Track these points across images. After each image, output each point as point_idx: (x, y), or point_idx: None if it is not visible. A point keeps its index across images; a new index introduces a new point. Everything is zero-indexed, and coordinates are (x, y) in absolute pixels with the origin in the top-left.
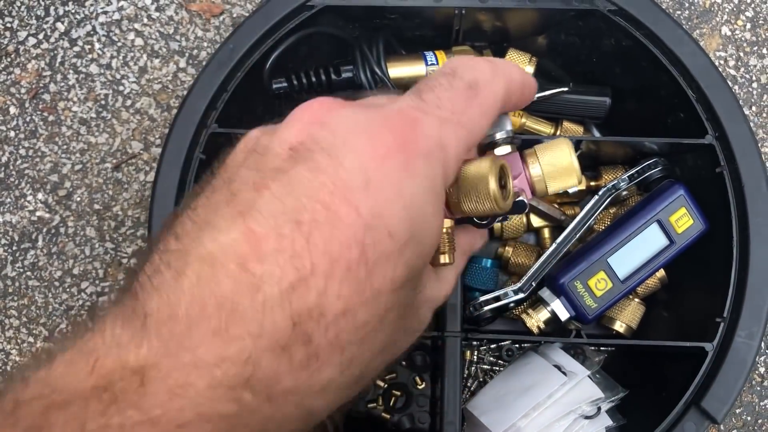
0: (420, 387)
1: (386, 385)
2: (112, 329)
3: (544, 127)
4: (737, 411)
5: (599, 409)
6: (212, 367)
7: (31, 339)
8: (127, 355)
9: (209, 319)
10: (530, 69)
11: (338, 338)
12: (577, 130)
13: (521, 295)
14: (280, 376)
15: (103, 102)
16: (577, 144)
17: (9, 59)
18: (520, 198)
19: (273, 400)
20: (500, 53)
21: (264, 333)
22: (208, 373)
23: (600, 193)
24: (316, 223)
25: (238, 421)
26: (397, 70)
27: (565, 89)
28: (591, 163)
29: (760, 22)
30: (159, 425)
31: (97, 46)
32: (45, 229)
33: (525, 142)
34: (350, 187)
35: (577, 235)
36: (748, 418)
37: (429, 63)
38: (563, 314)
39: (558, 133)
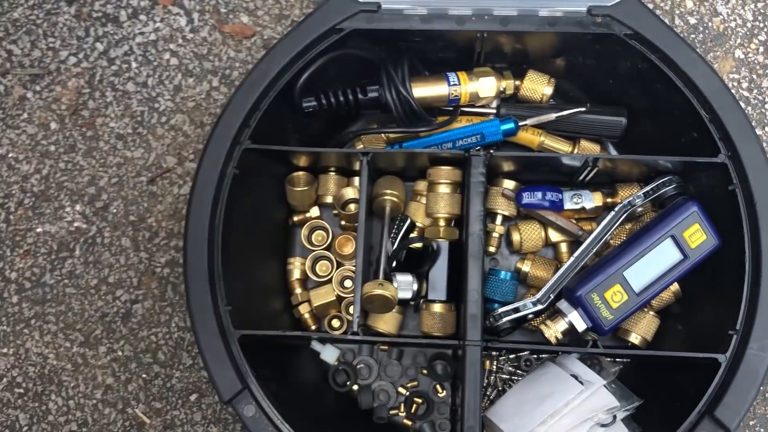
0: (441, 395)
1: (408, 393)
2: None
3: (562, 146)
4: (751, 423)
5: (615, 417)
6: None
7: (67, 344)
8: None
9: None
10: (549, 90)
11: None
12: (594, 148)
13: (540, 307)
14: None
15: (139, 118)
16: (594, 161)
17: (51, 77)
18: None
19: None
20: (520, 74)
21: None
22: None
23: (616, 209)
24: None
25: None
26: (421, 90)
27: (583, 109)
28: (607, 180)
29: None
30: None
31: (134, 65)
32: (82, 239)
33: (542, 159)
34: None
35: (594, 250)
36: (762, 430)
37: (451, 83)
38: (580, 325)
39: (576, 151)
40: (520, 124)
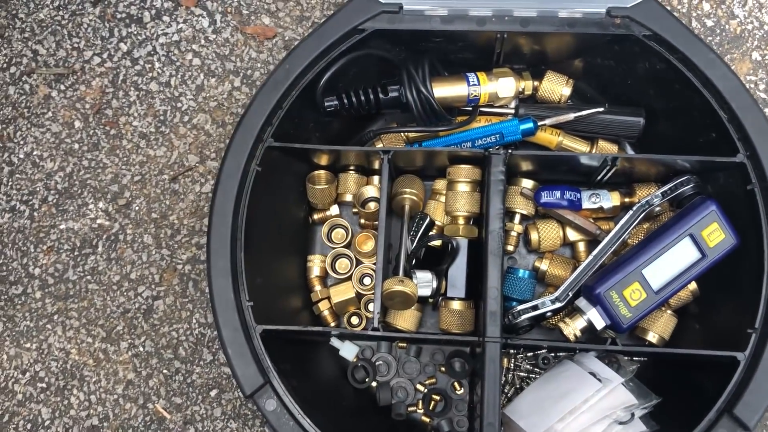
0: (459, 392)
1: (426, 390)
2: None
3: (580, 146)
4: (767, 422)
5: (633, 415)
6: None
7: (89, 339)
8: None
9: None
10: (567, 90)
11: None
12: (612, 148)
13: (558, 305)
14: None
15: (161, 117)
16: (612, 161)
17: (75, 77)
18: None
19: None
20: (538, 75)
21: None
22: None
23: (634, 208)
24: None
25: None
26: (441, 90)
27: (601, 109)
28: (625, 180)
29: None
30: None
31: (157, 65)
32: (105, 236)
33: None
34: None
35: (612, 248)
36: None
37: (471, 83)
38: (599, 323)
39: (594, 151)
40: (539, 124)
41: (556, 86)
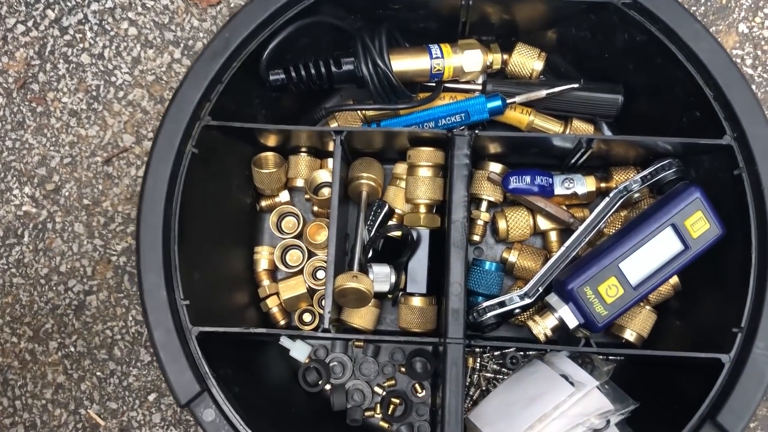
0: (420, 395)
1: (385, 393)
2: None
3: (553, 125)
4: (751, 425)
5: (608, 422)
6: None
7: (14, 339)
8: None
9: None
10: (539, 64)
11: None
12: (588, 128)
13: (527, 301)
14: None
15: (94, 93)
16: (587, 143)
17: None
18: None
19: None
20: (508, 48)
21: None
22: None
23: (611, 195)
24: None
25: None
26: (401, 63)
27: (576, 86)
28: (601, 163)
29: None
30: None
31: (88, 34)
32: (31, 225)
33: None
34: None
35: (587, 239)
36: None
37: (434, 56)
38: (572, 321)
39: (567, 131)
40: (508, 101)
41: (527, 60)
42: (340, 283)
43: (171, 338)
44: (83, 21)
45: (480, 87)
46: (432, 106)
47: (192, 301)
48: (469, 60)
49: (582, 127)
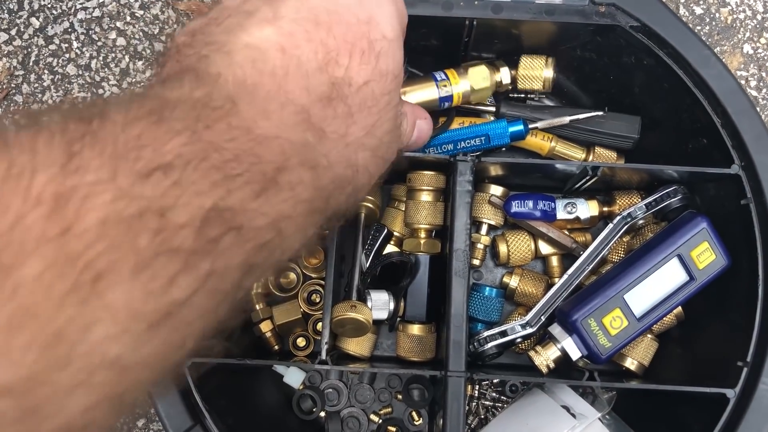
0: (417, 423)
1: (381, 421)
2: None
3: (576, 152)
4: None
5: None
6: (286, 104)
7: None
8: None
9: (269, 80)
10: (549, 72)
11: (364, 101)
12: (611, 156)
13: (529, 330)
14: (328, 120)
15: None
16: (593, 170)
17: None
18: None
19: (324, 140)
20: (513, 65)
21: (311, 90)
22: (281, 108)
23: (615, 222)
24: (332, 23)
25: (305, 151)
26: (410, 97)
27: (600, 113)
28: (604, 186)
29: None
30: (251, 133)
31: (75, 44)
32: None
33: (534, 166)
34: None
35: (590, 267)
36: None
37: (439, 80)
38: (575, 353)
39: (591, 159)
40: (530, 127)
41: (535, 71)
42: (338, 314)
43: None
44: (69, 30)
45: (493, 108)
46: (450, 129)
47: None
48: (475, 76)
49: (605, 155)
